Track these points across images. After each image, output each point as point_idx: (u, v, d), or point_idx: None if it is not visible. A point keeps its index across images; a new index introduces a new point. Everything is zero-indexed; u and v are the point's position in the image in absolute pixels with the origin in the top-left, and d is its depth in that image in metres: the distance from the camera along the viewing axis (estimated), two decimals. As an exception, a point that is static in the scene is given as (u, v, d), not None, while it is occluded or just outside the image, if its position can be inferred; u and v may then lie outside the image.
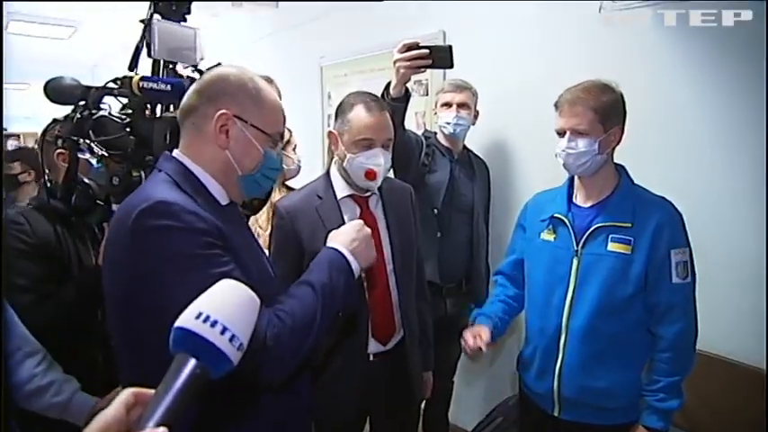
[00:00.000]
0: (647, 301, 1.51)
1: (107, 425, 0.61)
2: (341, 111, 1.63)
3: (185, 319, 0.67)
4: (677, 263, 1.46)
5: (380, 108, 1.61)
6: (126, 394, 0.65)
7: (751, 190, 1.79)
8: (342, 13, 3.56)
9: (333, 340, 1.63)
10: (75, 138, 1.36)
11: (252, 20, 4.47)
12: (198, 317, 0.67)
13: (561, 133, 1.54)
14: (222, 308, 0.68)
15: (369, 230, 1.27)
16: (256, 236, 2.05)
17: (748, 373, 1.81)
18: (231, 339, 0.67)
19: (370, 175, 1.57)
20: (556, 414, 1.61)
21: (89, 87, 1.39)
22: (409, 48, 1.75)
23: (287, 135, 2.40)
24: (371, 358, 1.69)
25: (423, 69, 1.81)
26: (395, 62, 1.78)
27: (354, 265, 1.19)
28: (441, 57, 1.74)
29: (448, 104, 2.37)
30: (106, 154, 1.34)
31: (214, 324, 0.66)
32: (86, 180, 1.42)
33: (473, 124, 2.44)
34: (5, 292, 1.34)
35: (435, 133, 2.47)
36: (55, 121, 1.58)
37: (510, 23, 2.55)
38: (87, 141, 1.35)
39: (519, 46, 2.52)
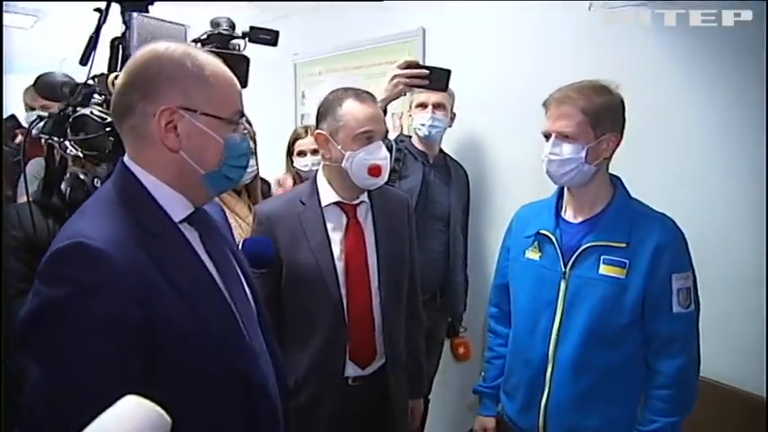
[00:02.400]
0: (645, 332, 1.34)
1: None
2: (327, 108, 1.51)
3: None
4: (678, 289, 1.29)
5: (373, 99, 1.53)
6: None
7: (753, 202, 1.67)
8: (317, 10, 3.38)
9: (307, 360, 1.51)
10: (50, 135, 1.29)
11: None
12: None
13: (547, 136, 1.39)
14: None
15: None
16: (236, 227, 1.85)
17: (746, 400, 1.68)
18: None
19: (375, 171, 1.47)
20: None
21: (79, 84, 1.32)
22: (410, 65, 1.73)
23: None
24: (350, 383, 1.54)
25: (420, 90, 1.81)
26: (393, 77, 1.73)
27: None
28: (438, 79, 1.73)
29: (423, 105, 2.24)
30: (81, 155, 1.25)
31: None
32: (81, 175, 1.34)
33: (449, 126, 2.30)
34: (5, 293, 1.29)
35: (410, 137, 2.34)
36: (39, 117, 1.51)
37: (493, 21, 2.40)
38: (62, 140, 1.27)
39: (502, 45, 2.37)
